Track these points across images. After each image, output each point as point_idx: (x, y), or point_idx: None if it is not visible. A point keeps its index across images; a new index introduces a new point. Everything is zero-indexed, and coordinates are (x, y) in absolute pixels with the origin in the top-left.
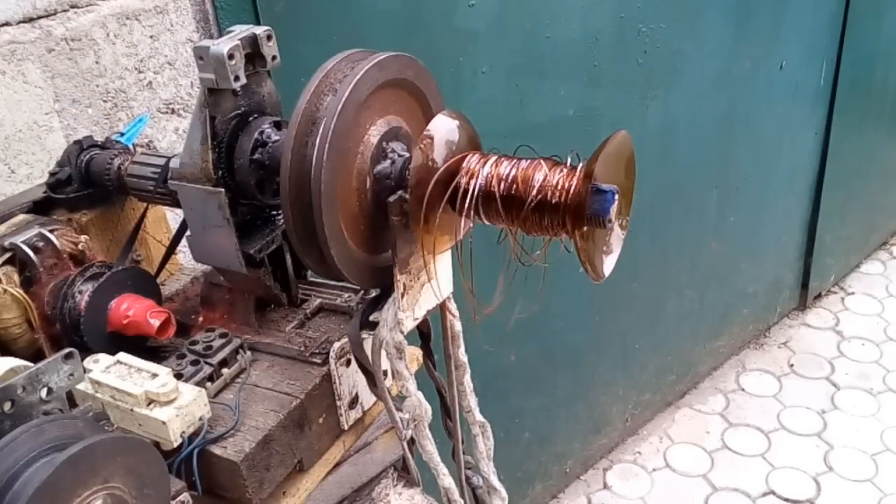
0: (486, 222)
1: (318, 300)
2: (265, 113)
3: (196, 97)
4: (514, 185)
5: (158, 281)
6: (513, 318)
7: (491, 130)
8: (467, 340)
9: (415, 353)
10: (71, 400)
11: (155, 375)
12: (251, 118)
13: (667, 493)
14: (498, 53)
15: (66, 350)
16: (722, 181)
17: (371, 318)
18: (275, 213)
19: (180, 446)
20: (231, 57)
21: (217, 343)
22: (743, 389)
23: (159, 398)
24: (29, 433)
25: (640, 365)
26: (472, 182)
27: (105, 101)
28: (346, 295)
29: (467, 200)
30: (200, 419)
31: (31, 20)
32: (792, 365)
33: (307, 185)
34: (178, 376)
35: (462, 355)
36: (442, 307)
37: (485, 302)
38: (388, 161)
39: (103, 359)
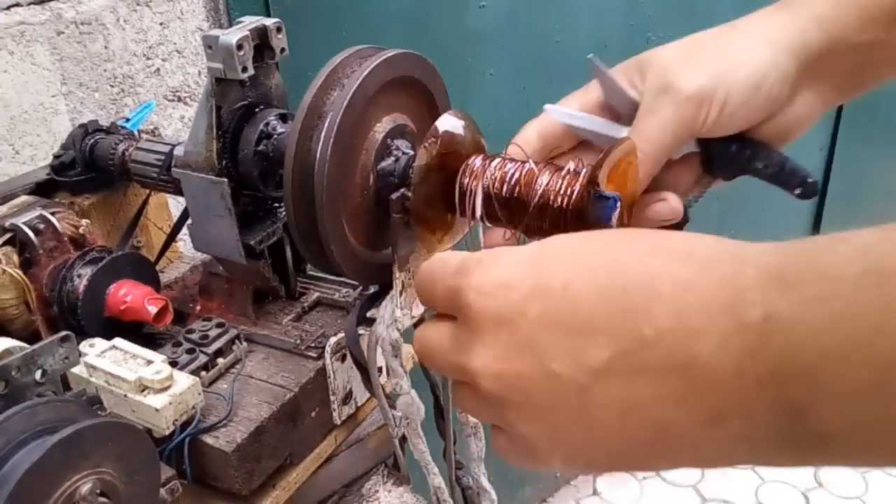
0: (488, 224)
1: (317, 294)
2: (271, 105)
3: (203, 86)
4: (517, 188)
5: (158, 268)
6: None
7: (497, 132)
8: None
9: (410, 352)
10: (65, 383)
11: (150, 362)
12: (257, 109)
13: (656, 502)
14: (506, 56)
15: (63, 333)
16: (724, 195)
17: (368, 314)
18: (277, 205)
19: (172, 434)
20: (240, 47)
21: (213, 332)
22: None
23: (153, 385)
24: (21, 415)
25: None
26: (475, 183)
27: (112, 86)
28: (345, 290)
29: (469, 201)
30: (193, 408)
31: (41, 2)
32: None
33: (310, 179)
34: (173, 364)
35: None
36: None
37: None
38: (392, 158)
39: (99, 343)
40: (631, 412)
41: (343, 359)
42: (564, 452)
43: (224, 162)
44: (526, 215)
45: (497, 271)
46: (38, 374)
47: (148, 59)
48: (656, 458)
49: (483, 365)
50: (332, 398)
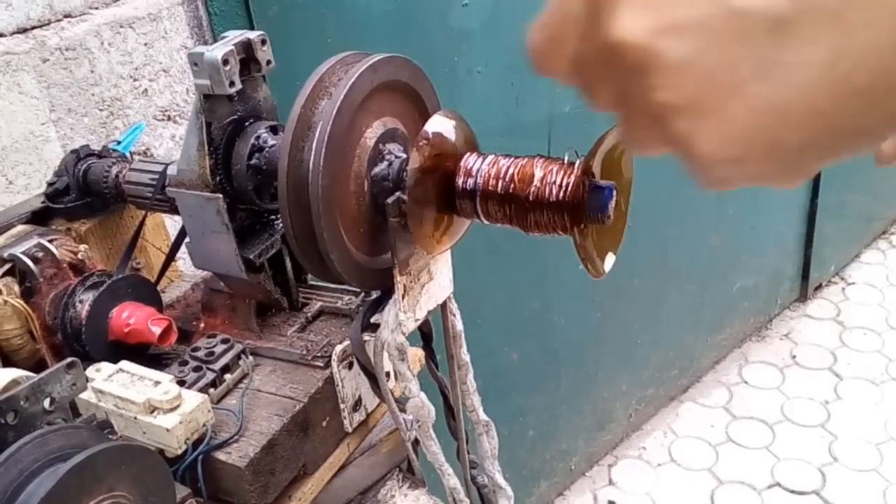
0: (485, 221)
1: (319, 303)
2: (261, 118)
3: (192, 103)
4: (512, 184)
5: (159, 288)
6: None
7: (487, 129)
8: (469, 340)
9: (417, 354)
10: (74, 409)
11: (157, 383)
12: (247, 123)
13: (672, 487)
14: (493, 52)
15: (69, 360)
16: None
17: (372, 320)
18: (273, 217)
19: (185, 453)
20: (226, 62)
21: (219, 349)
22: (746, 382)
23: (162, 405)
24: (33, 444)
25: (642, 360)
26: (470, 181)
27: (101, 110)
28: (347, 297)
29: (465, 200)
30: (204, 425)
31: (24, 31)
32: (794, 356)
33: (305, 190)
34: (181, 383)
35: (464, 355)
36: (443, 307)
37: (485, 301)
38: (385, 163)
39: (105, 367)
40: (846, 51)
41: (350, 366)
42: (742, 125)
43: (218, 178)
44: (523, 210)
45: None
46: (46, 403)
47: (135, 80)
48: (867, 113)
49: (631, 24)
50: (341, 406)
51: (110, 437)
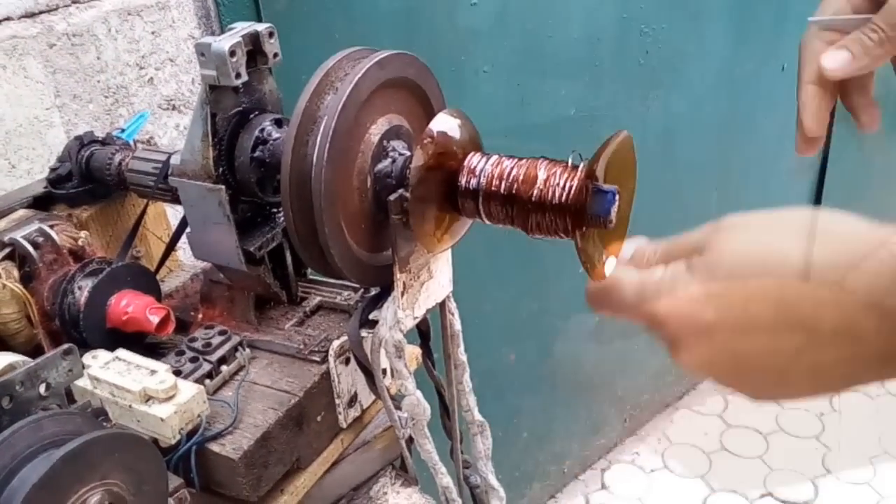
0: (487, 222)
1: (318, 298)
2: (266, 110)
3: (197, 94)
4: (515, 185)
5: (158, 277)
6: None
7: (492, 129)
8: (467, 339)
9: (414, 352)
10: (69, 396)
11: (154, 372)
12: (252, 115)
13: (665, 494)
14: (499, 53)
15: (66, 346)
16: (722, 182)
17: (371, 316)
18: (275, 210)
19: (178, 443)
20: (233, 54)
21: (216, 340)
22: None
23: (158, 395)
24: (27, 428)
25: (638, 366)
26: (473, 181)
27: (106, 97)
28: (346, 293)
29: (468, 200)
30: (199, 416)
31: (32, 15)
32: None
33: (308, 185)
34: (177, 373)
35: (461, 354)
36: (441, 306)
37: (484, 301)
38: (389, 160)
39: (102, 355)
40: (819, 371)
41: (347, 362)
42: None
43: (221, 169)
44: (525, 211)
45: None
46: (42, 388)
47: (141, 68)
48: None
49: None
50: (337, 402)
51: (105, 424)
